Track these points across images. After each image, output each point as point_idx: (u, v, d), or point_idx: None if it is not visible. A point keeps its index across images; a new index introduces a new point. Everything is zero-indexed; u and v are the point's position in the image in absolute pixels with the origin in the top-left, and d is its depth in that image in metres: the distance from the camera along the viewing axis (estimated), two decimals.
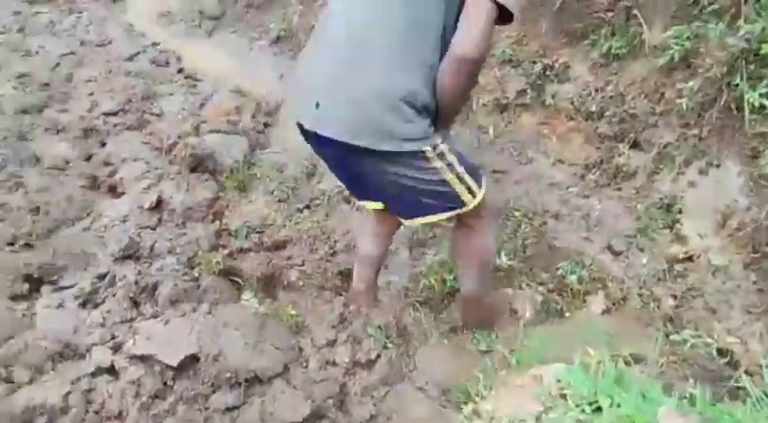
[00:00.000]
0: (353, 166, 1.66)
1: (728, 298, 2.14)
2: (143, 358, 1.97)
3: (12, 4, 4.32)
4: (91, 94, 3.43)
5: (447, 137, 1.66)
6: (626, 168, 2.74)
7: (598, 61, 2.86)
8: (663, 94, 2.59)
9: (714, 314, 2.18)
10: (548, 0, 2.92)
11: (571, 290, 2.40)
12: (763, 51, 1.93)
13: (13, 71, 3.54)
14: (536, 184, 2.97)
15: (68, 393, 1.84)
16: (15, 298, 2.13)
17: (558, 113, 3.04)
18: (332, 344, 2.13)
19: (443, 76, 1.48)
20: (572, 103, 2.96)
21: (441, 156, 1.60)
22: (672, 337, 2.17)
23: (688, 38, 2.37)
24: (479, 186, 1.73)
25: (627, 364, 2.09)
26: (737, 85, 2.10)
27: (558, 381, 1.68)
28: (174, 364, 1.96)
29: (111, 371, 1.97)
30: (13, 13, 4.23)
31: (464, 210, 1.73)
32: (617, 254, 2.59)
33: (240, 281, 2.33)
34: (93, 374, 1.95)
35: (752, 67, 2.07)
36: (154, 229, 2.47)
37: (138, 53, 4.02)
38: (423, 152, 1.56)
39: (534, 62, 3.06)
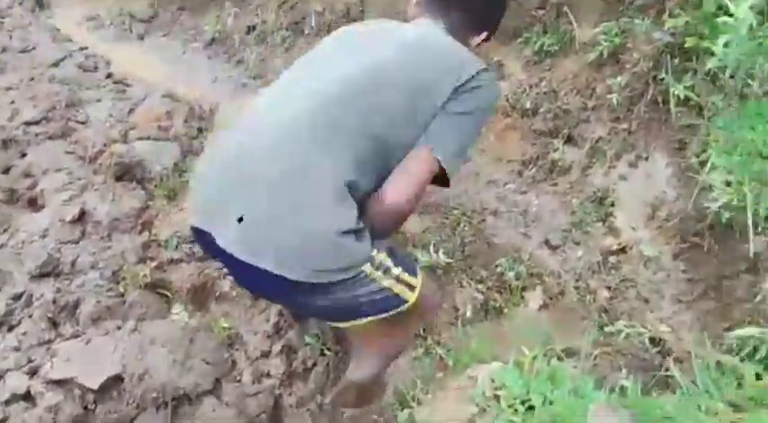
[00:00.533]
0: (274, 291, 1.52)
1: (660, 288, 2.17)
2: (61, 382, 1.87)
3: None
4: (11, 102, 3.24)
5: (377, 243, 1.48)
6: (561, 164, 2.76)
7: (531, 59, 2.87)
8: (594, 89, 2.61)
9: (647, 304, 2.20)
10: None
11: (509, 286, 2.39)
12: (687, 45, 1.95)
13: None
14: (475, 182, 2.96)
15: None
16: None
17: (496, 112, 3.03)
18: (266, 355, 2.07)
19: (371, 215, 1.43)
20: (507, 100, 2.96)
21: (378, 267, 1.43)
22: (606, 329, 2.18)
23: (616, 34, 2.39)
24: (416, 277, 1.54)
25: (560, 359, 2.11)
26: (663, 78, 2.13)
27: (493, 381, 1.65)
28: (95, 386, 1.86)
29: (28, 397, 1.85)
30: None
31: (406, 306, 1.53)
32: (554, 248, 2.60)
33: (169, 294, 2.23)
34: (8, 402, 1.84)
35: (677, 60, 2.09)
36: (76, 242, 2.35)
37: (65, 58, 3.83)
38: (362, 272, 1.40)
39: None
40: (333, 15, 3.44)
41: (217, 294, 2.28)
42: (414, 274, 1.53)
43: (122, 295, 2.17)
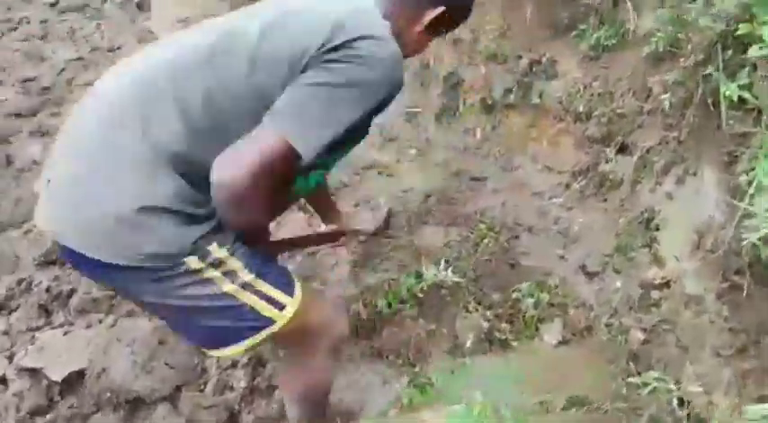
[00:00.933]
0: (102, 278, 1.33)
1: (701, 335, 1.75)
2: (30, 371, 1.89)
3: (40, 14, 4.50)
4: None
5: (229, 239, 1.24)
6: (612, 176, 2.37)
7: (587, 54, 2.50)
8: (651, 89, 2.20)
9: (685, 354, 1.79)
10: None
11: (524, 316, 2.07)
12: (739, 32, 1.54)
13: (20, 76, 3.65)
14: (517, 193, 2.65)
15: None
16: None
17: (547, 114, 2.70)
18: (235, 365, 1.95)
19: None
20: (560, 102, 2.61)
21: (213, 264, 1.20)
22: (630, 379, 1.81)
23: (672, 22, 1.98)
24: (288, 293, 1.29)
25: (564, 408, 1.78)
26: (712, 75, 1.71)
27: None
28: (59, 378, 1.86)
29: (3, 381, 1.90)
30: (40, 22, 4.39)
31: (275, 328, 1.28)
32: (590, 275, 2.23)
33: None
34: None
35: (729, 52, 1.67)
36: None
37: None
38: (182, 264, 1.17)
39: (520, 57, 2.74)
40: None
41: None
42: (285, 289, 1.29)
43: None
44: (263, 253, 1.32)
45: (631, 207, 2.24)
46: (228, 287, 1.21)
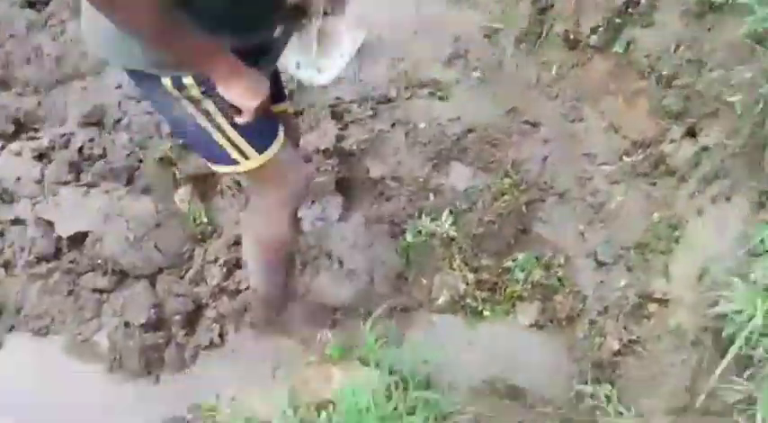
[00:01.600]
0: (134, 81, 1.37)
1: (667, 372, 1.57)
2: (46, 222, 2.11)
3: None
4: None
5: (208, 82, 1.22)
6: (669, 161, 2.08)
7: (692, 9, 2.07)
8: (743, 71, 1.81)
9: (645, 386, 1.63)
10: None
11: (504, 289, 1.97)
12: None
13: None
14: (567, 149, 2.40)
15: None
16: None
17: (631, 67, 2.34)
18: (215, 261, 2.06)
19: None
20: (647, 56, 2.24)
21: (184, 93, 1.24)
22: (582, 387, 1.71)
23: None
24: (258, 151, 1.36)
25: (500, 396, 1.74)
26: None
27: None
28: (65, 234, 2.07)
29: (23, 223, 2.15)
30: None
31: (237, 169, 1.39)
32: (600, 265, 2.04)
33: (177, 174, 2.29)
34: (13, 222, 2.15)
35: None
36: (139, 102, 2.51)
37: None
38: (160, 84, 1.23)
39: None
40: None
41: (220, 189, 2.29)
42: (255, 143, 1.35)
43: (140, 161, 2.30)
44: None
45: (672, 203, 1.95)
46: (202, 122, 1.30)
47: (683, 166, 1.94)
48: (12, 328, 1.97)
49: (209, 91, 1.24)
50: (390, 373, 1.54)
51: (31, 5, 3.20)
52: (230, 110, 1.25)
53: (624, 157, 2.27)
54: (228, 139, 1.33)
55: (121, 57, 1.23)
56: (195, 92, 1.24)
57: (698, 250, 1.62)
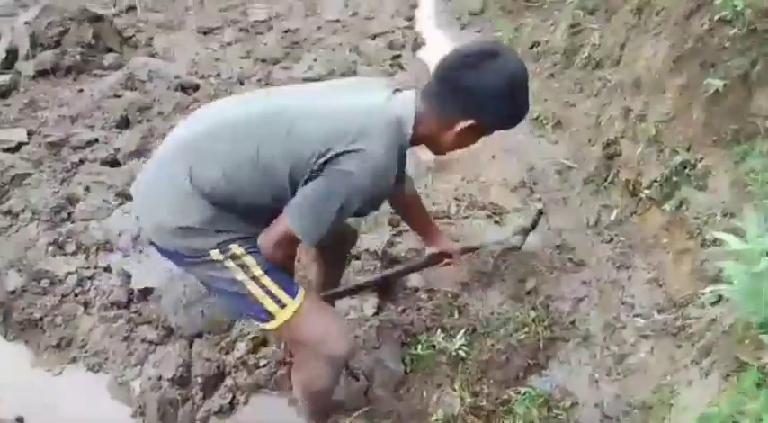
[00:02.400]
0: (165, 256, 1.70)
1: None
2: (126, 274, 2.51)
3: None
4: None
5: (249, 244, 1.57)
6: (694, 325, 2.02)
7: (741, 178, 2.08)
8: None
9: None
10: (702, 82, 2.19)
11: (500, 421, 1.99)
12: None
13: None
14: (604, 295, 2.40)
15: None
16: None
17: (682, 226, 2.33)
18: (246, 335, 2.30)
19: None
20: (697, 218, 2.23)
21: (231, 257, 1.55)
22: None
23: None
24: (290, 296, 1.58)
25: None
26: None
27: None
28: (136, 288, 2.44)
29: (110, 270, 2.56)
30: None
31: (274, 324, 1.58)
32: (606, 418, 2.00)
33: None
34: (105, 269, 2.58)
35: None
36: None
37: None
38: (207, 254, 1.55)
39: (676, 152, 2.37)
40: None
41: None
42: (287, 290, 1.58)
43: None
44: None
45: (679, 368, 1.89)
46: (240, 275, 1.56)
47: (696, 334, 1.89)
48: (73, 360, 2.33)
49: (249, 248, 1.56)
50: None
51: (184, 90, 3.88)
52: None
53: (658, 314, 2.22)
54: (263, 287, 1.56)
55: (172, 244, 1.58)
56: (239, 250, 1.55)
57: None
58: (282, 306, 1.57)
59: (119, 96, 3.75)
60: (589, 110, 3.14)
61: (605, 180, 2.79)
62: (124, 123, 3.53)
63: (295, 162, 1.44)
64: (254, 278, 1.56)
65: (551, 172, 3.03)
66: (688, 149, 2.33)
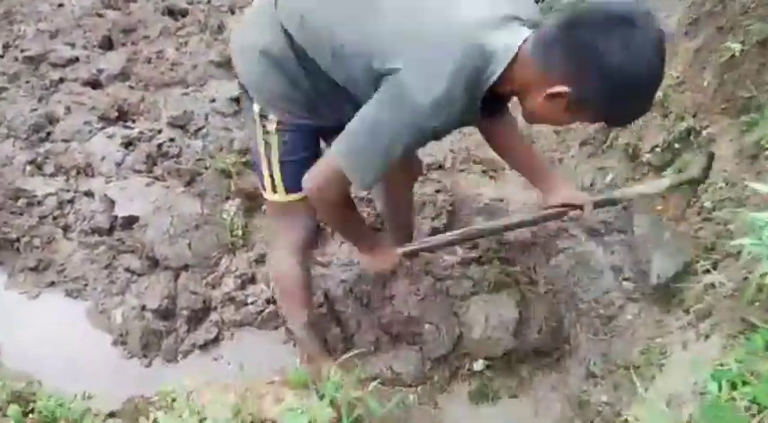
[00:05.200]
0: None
1: None
2: (109, 200, 2.41)
3: None
4: None
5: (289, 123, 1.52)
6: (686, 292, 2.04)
7: (747, 150, 2.07)
8: None
9: None
10: (717, 46, 2.16)
11: None
12: None
13: None
14: (597, 259, 2.40)
15: None
16: None
17: (680, 192, 2.33)
18: (234, 272, 2.24)
19: None
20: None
21: (263, 126, 1.52)
22: None
23: None
24: (285, 191, 1.59)
25: None
26: None
27: None
28: (120, 215, 2.36)
29: (92, 196, 2.46)
30: None
31: (264, 195, 1.66)
32: (590, 375, 2.03)
33: (232, 186, 2.53)
34: (85, 193, 2.47)
35: None
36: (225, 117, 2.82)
37: None
38: (252, 107, 1.53)
39: (682, 118, 2.34)
40: None
41: (263, 209, 2.50)
42: (288, 184, 1.57)
43: (205, 168, 2.57)
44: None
45: (671, 331, 1.93)
46: (261, 149, 1.56)
47: (691, 299, 1.91)
48: (51, 284, 2.24)
49: (282, 129, 1.52)
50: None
51: (171, 14, 3.67)
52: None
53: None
54: (270, 171, 1.58)
55: (250, 80, 1.52)
56: (271, 127, 1.52)
57: (673, 382, 1.59)
58: (273, 191, 1.61)
59: (101, 15, 3.53)
60: None
61: (603, 143, 2.77)
62: (107, 44, 3.33)
63: (363, 54, 1.27)
64: (268, 157, 1.56)
65: (549, 131, 2.98)
66: (694, 116, 2.30)
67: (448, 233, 1.93)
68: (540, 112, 1.27)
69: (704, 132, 2.26)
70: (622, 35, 1.10)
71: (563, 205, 1.75)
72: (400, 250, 1.76)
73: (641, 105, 1.23)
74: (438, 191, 2.62)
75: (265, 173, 1.59)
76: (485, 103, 1.28)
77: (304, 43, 1.39)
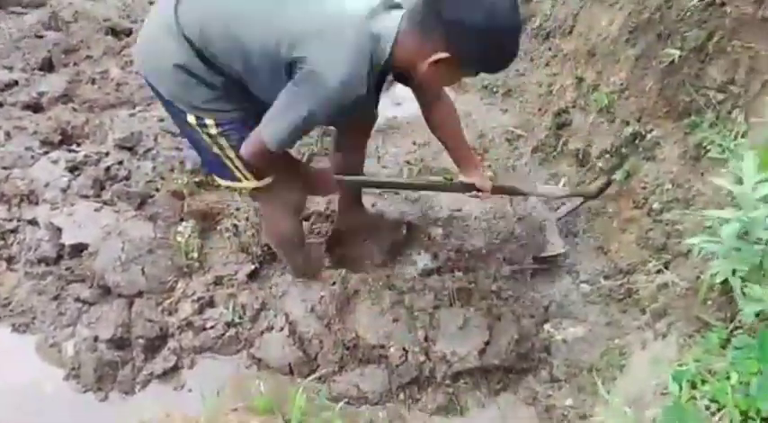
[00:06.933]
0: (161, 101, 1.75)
1: None
2: (56, 228, 2.31)
3: None
4: None
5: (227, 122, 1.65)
6: (640, 292, 2.09)
7: (691, 152, 2.14)
8: None
9: None
10: (657, 53, 2.24)
11: None
12: None
13: None
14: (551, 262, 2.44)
15: None
16: None
17: (629, 195, 2.39)
18: (191, 298, 2.18)
19: None
20: (644, 188, 2.29)
21: (207, 134, 1.65)
22: None
23: None
24: (256, 178, 1.77)
25: None
26: None
27: None
28: (67, 243, 2.27)
29: (36, 224, 2.35)
30: None
31: (237, 185, 1.81)
32: (553, 380, 2.05)
33: (185, 208, 2.47)
34: (29, 222, 2.36)
35: None
36: (175, 136, 2.75)
37: None
38: (183, 112, 1.63)
39: (627, 123, 2.41)
40: None
41: (218, 229, 2.44)
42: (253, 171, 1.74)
43: (156, 190, 2.50)
44: None
45: (629, 332, 1.97)
46: (215, 150, 1.70)
47: (646, 299, 1.97)
48: None
49: (224, 131, 1.65)
50: None
51: (114, 34, 3.58)
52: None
53: (604, 280, 2.29)
54: (233, 165, 1.74)
55: (173, 94, 1.62)
56: (213, 130, 1.64)
57: (635, 383, 1.62)
58: (246, 179, 1.78)
59: (40, 37, 3.41)
60: (540, 79, 3.15)
61: (554, 149, 2.83)
62: (47, 66, 3.22)
63: (266, 48, 1.45)
64: (225, 154, 1.70)
65: (501, 140, 3.03)
66: (639, 120, 2.37)
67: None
68: (431, 79, 1.51)
69: (649, 136, 2.34)
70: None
71: (469, 185, 2.06)
72: (337, 177, 1.98)
73: (511, 51, 1.46)
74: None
75: (231, 168, 1.74)
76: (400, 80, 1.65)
77: (211, 50, 1.51)
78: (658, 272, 2.07)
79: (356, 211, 2.44)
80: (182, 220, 2.44)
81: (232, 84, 1.58)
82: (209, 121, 1.62)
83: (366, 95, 1.48)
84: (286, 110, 1.49)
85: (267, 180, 1.79)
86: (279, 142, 1.54)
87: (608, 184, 2.38)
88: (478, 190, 2.06)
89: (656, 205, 2.21)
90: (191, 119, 1.63)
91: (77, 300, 2.18)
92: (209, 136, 1.65)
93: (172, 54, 1.54)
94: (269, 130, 1.52)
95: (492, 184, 2.09)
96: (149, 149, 2.66)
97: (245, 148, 1.60)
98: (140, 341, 2.06)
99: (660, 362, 1.51)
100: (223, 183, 1.85)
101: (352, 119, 1.92)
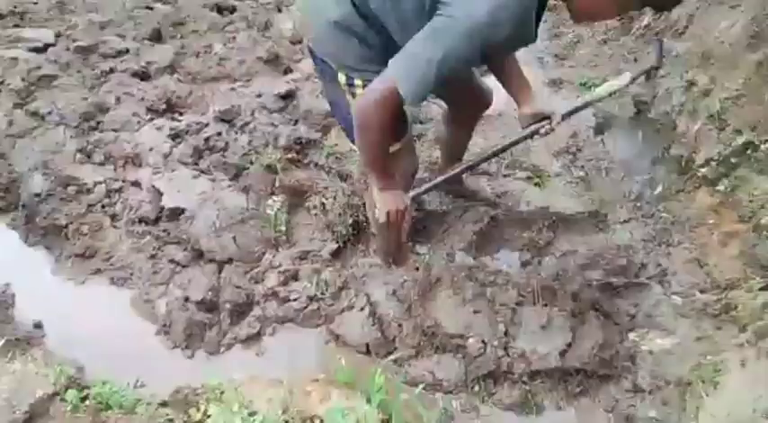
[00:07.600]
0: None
1: None
2: (157, 191, 2.43)
3: None
4: None
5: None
6: (739, 309, 1.98)
7: None
8: None
9: None
10: None
11: None
12: None
13: None
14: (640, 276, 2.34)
15: None
16: None
17: (733, 208, 2.27)
18: (276, 268, 2.24)
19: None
20: (752, 201, 2.17)
21: (353, 93, 1.66)
22: None
23: None
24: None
25: None
26: None
27: None
28: (167, 206, 2.38)
29: (140, 186, 2.48)
30: None
31: None
32: (636, 390, 1.98)
33: (277, 182, 2.53)
34: (133, 183, 2.50)
35: None
36: (271, 113, 2.83)
37: None
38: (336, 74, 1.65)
39: (740, 132, 2.28)
40: None
41: (306, 205, 2.50)
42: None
43: (251, 162, 2.58)
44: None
45: (725, 348, 1.87)
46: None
47: (746, 317, 1.86)
48: (97, 271, 2.26)
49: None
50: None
51: (219, 11, 3.71)
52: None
53: (699, 293, 2.19)
54: None
55: (327, 52, 1.66)
56: (359, 91, 1.64)
57: (731, 402, 1.54)
58: None
59: (151, 8, 3.59)
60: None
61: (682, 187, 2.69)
62: (156, 36, 3.37)
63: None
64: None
65: (596, 140, 2.94)
66: (753, 129, 2.24)
67: (444, 174, 2.02)
68: (589, 7, 1.38)
69: (763, 147, 2.20)
70: None
71: (534, 115, 1.90)
72: (412, 193, 1.88)
73: None
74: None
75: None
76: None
77: (369, 4, 1.51)
78: (762, 289, 1.96)
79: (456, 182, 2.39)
80: (272, 194, 2.50)
81: (387, 43, 1.55)
82: (357, 82, 1.64)
83: (528, 34, 1.39)
84: (426, 52, 1.36)
85: (397, 145, 1.76)
86: (422, 92, 1.42)
87: (661, 44, 2.22)
88: (545, 117, 1.90)
89: (764, 220, 2.09)
90: (341, 77, 1.66)
91: (171, 261, 2.28)
92: (354, 96, 1.67)
93: (332, 10, 1.57)
94: (407, 76, 1.39)
95: (558, 109, 1.95)
96: (246, 123, 2.74)
97: (367, 95, 1.48)
98: (227, 306, 2.13)
99: (762, 382, 1.42)
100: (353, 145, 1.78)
101: (472, 92, 1.94)
